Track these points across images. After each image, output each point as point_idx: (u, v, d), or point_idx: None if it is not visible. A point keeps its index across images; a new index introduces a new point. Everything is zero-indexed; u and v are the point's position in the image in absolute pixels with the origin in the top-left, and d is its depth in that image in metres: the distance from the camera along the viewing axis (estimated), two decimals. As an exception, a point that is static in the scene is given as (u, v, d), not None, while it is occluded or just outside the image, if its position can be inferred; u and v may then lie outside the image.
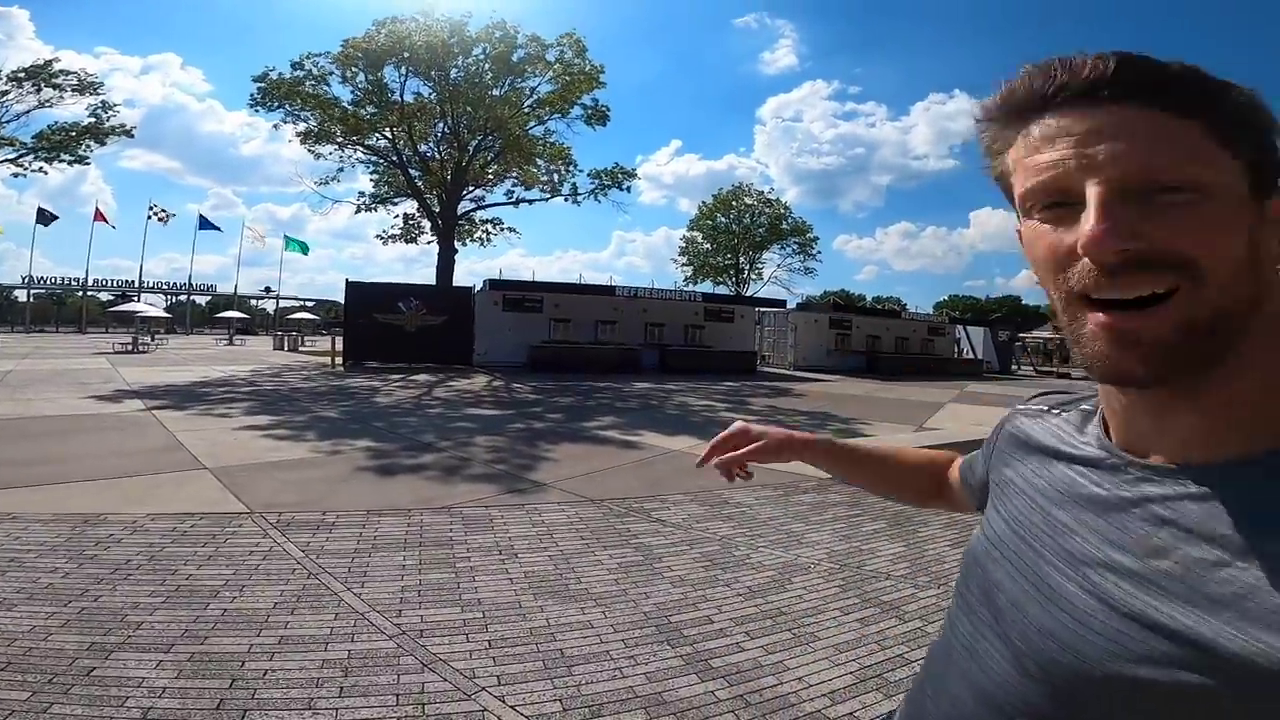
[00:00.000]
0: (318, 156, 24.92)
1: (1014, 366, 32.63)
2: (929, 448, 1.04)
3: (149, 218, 54.39)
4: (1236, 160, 0.47)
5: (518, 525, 4.53)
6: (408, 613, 3.09)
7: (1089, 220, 0.46)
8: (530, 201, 26.96)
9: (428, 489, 5.48)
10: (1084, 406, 0.64)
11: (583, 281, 24.81)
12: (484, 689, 2.44)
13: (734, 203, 41.74)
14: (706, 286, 40.01)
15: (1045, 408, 0.68)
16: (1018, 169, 0.52)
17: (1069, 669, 0.49)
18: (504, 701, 2.37)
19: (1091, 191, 0.46)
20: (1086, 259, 0.47)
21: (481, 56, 23.76)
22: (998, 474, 0.68)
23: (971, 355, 30.96)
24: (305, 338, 38.70)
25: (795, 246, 42.23)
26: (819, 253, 42.90)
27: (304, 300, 72.46)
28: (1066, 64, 0.49)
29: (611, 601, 3.31)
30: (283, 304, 65.48)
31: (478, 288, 21.61)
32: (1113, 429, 0.57)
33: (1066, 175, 0.48)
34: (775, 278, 42.83)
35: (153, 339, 29.82)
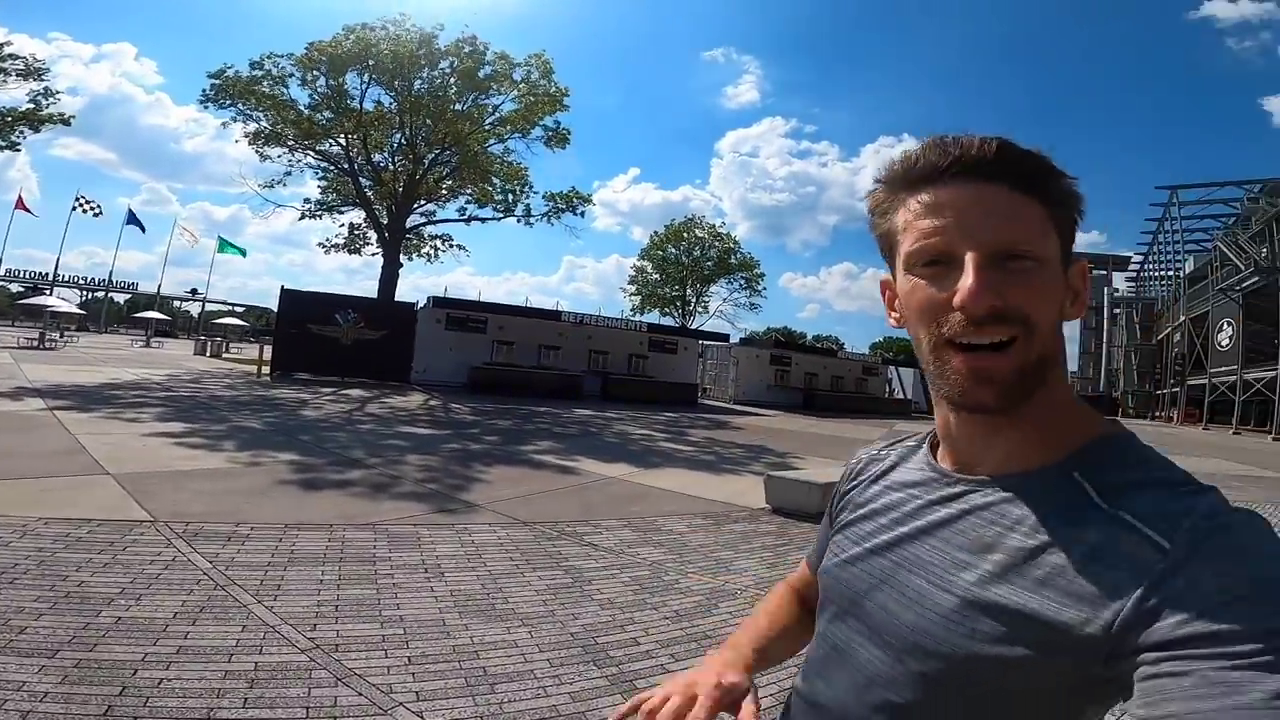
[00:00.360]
0: (264, 158, 24.02)
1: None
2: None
3: (74, 209, 51.05)
4: (1058, 236, 0.60)
5: (446, 544, 4.41)
6: (323, 627, 2.96)
7: (967, 280, 0.56)
8: (483, 220, 26.59)
9: (353, 505, 5.28)
10: (909, 443, 0.77)
11: (529, 305, 24.63)
12: (401, 704, 2.35)
13: (685, 234, 42.37)
14: (653, 316, 40.37)
15: (879, 448, 0.81)
16: (907, 230, 0.62)
17: (936, 655, 0.58)
18: (421, 717, 2.29)
19: (969, 256, 0.57)
20: (960, 311, 0.57)
21: (448, 70, 23.56)
22: (848, 513, 0.76)
23: (902, 395, 32.30)
24: (231, 344, 36.95)
25: (742, 281, 43.05)
26: (764, 289, 43.75)
27: (233, 305, 69.27)
28: (958, 143, 0.59)
29: (539, 622, 3.26)
30: (209, 307, 62.21)
31: (421, 304, 21.20)
32: (947, 453, 0.68)
33: (949, 240, 0.58)
34: (721, 311, 43.55)
35: (62, 335, 27.83)
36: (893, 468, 0.75)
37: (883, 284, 0.70)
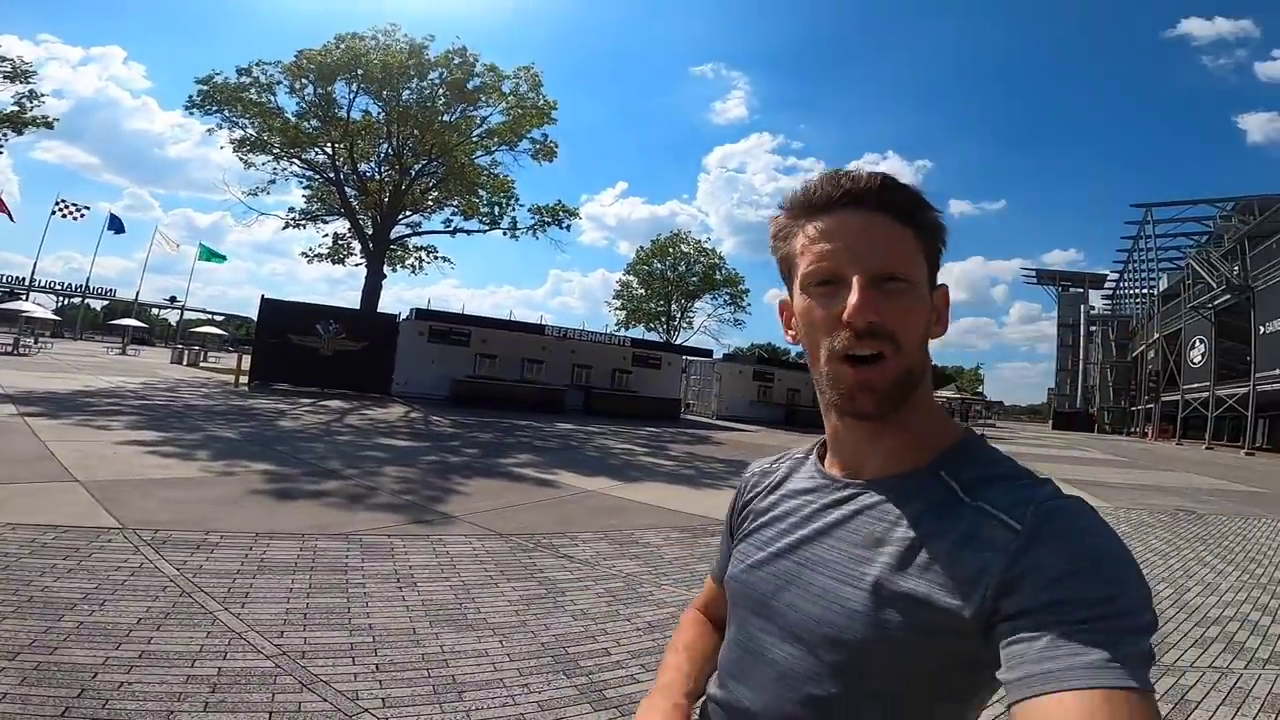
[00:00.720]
0: (249, 166, 23.83)
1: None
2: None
3: (53, 213, 50.25)
4: (927, 262, 0.68)
5: (420, 555, 4.39)
6: (290, 634, 2.94)
7: (853, 298, 0.63)
8: (468, 232, 26.45)
9: (327, 515, 5.24)
10: (797, 455, 0.83)
11: (514, 318, 24.57)
12: (367, 710, 2.35)
13: (671, 250, 42.53)
14: (638, 332, 40.42)
15: (770, 462, 0.86)
16: (803, 253, 0.69)
17: (845, 644, 0.63)
18: (386, 725, 2.29)
19: (855, 278, 0.64)
20: (846, 326, 0.64)
21: (437, 81, 23.56)
22: (747, 524, 0.81)
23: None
24: (209, 353, 36.47)
25: (727, 297, 43.17)
26: (749, 305, 44.00)
27: (212, 313, 68.48)
28: (849, 176, 0.67)
29: (510, 632, 3.26)
30: (188, 315, 61.49)
31: (403, 316, 21.09)
32: (835, 461, 0.75)
33: (839, 263, 0.66)
34: (705, 327, 43.69)
35: (36, 341, 27.32)
36: (786, 478, 0.80)
37: (780, 305, 0.77)
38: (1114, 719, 0.45)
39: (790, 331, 0.74)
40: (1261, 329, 32.32)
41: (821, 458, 0.78)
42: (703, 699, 0.80)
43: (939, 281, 0.71)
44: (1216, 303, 36.95)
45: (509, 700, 2.57)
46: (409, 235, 26.71)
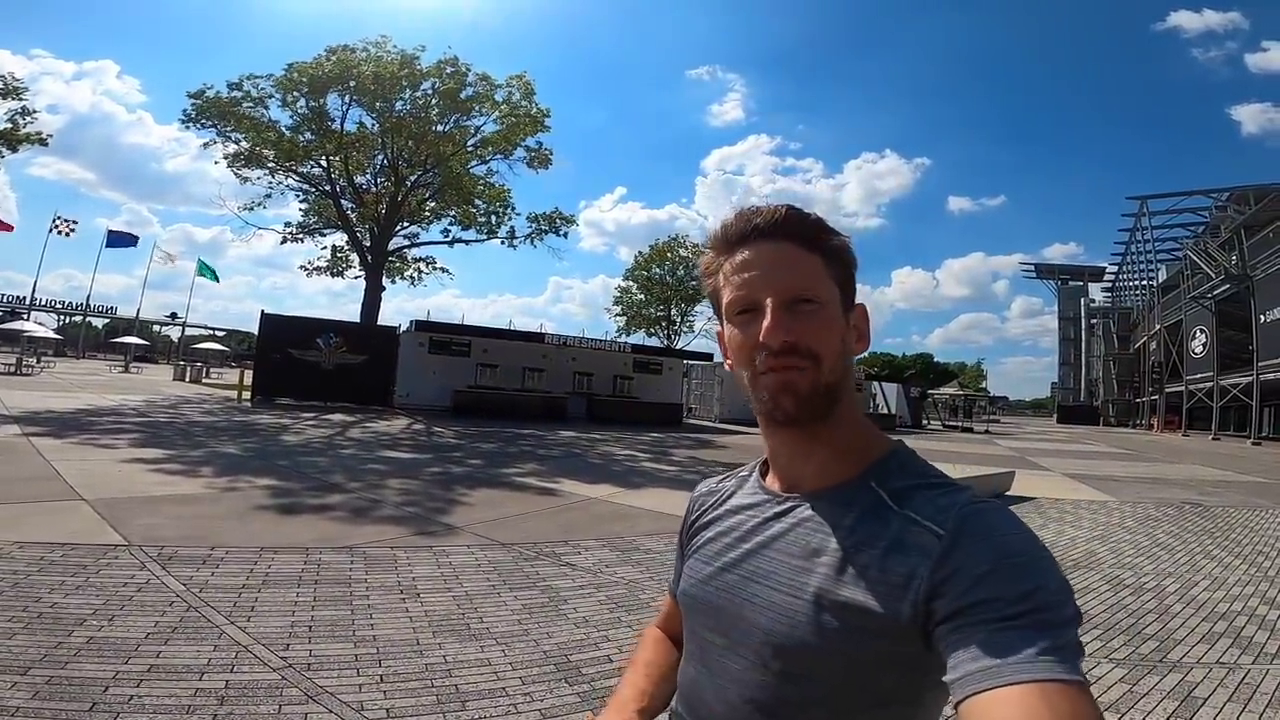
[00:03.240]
0: (244, 180, 23.93)
1: (925, 421, 34.36)
2: None
3: (52, 230, 50.46)
4: (835, 284, 0.73)
5: (423, 566, 4.43)
6: (296, 647, 2.98)
7: (766, 321, 0.69)
8: (466, 242, 26.57)
9: (331, 528, 5.28)
10: (742, 473, 0.87)
11: (514, 327, 24.64)
12: (370, 721, 2.38)
13: (669, 254, 42.58)
14: (639, 337, 40.41)
15: (717, 481, 0.90)
16: (726, 286, 0.74)
17: (792, 653, 0.66)
18: (390, 735, 2.32)
19: (768, 303, 0.70)
20: (762, 347, 0.69)
21: (430, 91, 23.66)
22: (697, 540, 0.84)
23: (886, 410, 32.46)
24: (211, 369, 36.57)
25: (728, 299, 43.20)
26: (749, 308, 43.95)
27: (214, 329, 68.65)
28: (758, 212, 0.73)
29: (512, 641, 3.29)
30: (190, 332, 61.66)
31: (403, 327, 21.15)
32: (775, 476, 0.79)
33: (754, 291, 0.71)
34: (705, 331, 43.69)
35: (39, 361, 27.42)
36: (731, 495, 0.84)
37: (718, 335, 0.81)
38: (1051, 709, 0.48)
39: (728, 360, 0.78)
40: (1262, 317, 32.28)
41: (765, 474, 0.82)
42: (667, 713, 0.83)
43: (857, 301, 0.76)
44: (1216, 293, 36.93)
45: (511, 709, 2.60)
46: (407, 246, 26.83)
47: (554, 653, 3.19)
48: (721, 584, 0.75)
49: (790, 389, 0.69)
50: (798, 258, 0.71)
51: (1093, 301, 73.01)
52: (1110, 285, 70.43)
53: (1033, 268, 79.67)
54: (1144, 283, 57.27)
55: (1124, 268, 64.87)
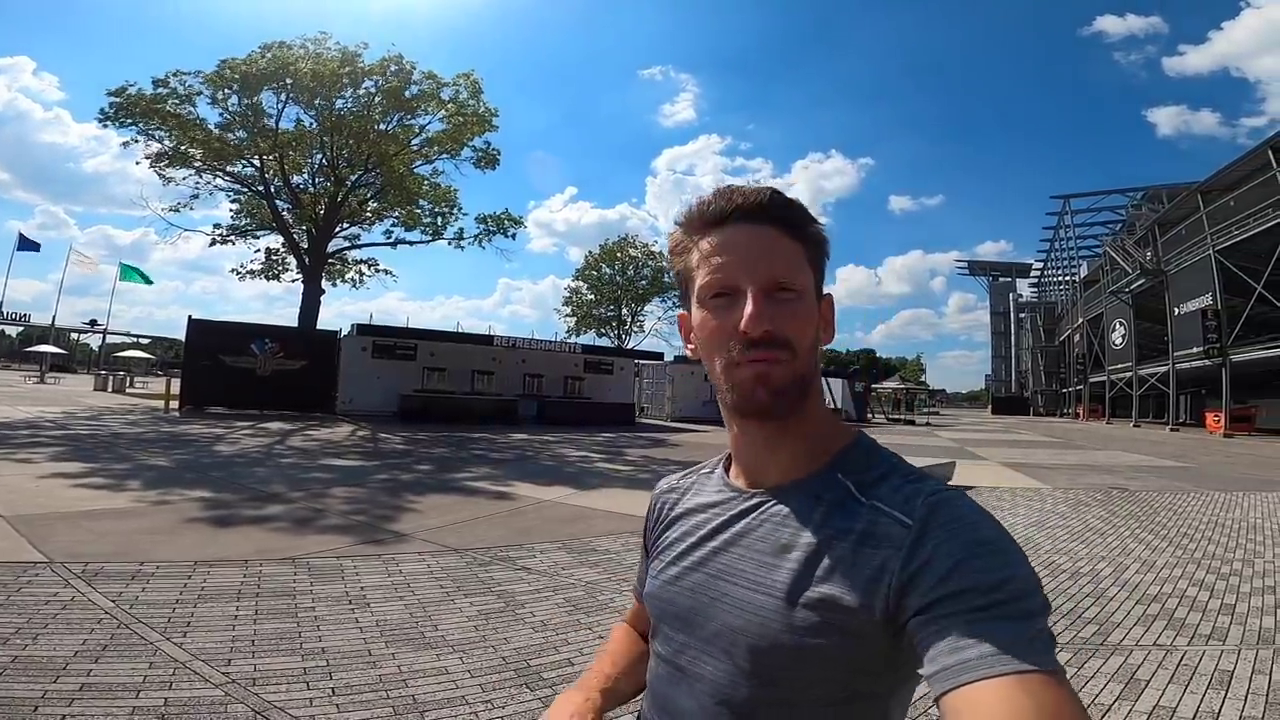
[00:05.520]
0: (168, 181, 22.60)
1: (870, 415, 35.38)
2: None
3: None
4: (813, 272, 0.71)
5: (372, 575, 4.27)
6: (238, 662, 2.82)
7: (749, 309, 0.65)
8: (410, 243, 25.82)
9: (271, 540, 5.03)
10: (704, 470, 0.85)
11: (462, 330, 24.16)
12: (321, 738, 2.27)
13: (619, 254, 42.62)
14: (589, 338, 40.35)
15: (678, 478, 0.88)
16: (700, 266, 0.70)
17: (764, 652, 0.64)
18: (343, 751, 2.22)
19: (749, 289, 0.66)
20: (742, 336, 0.65)
21: (372, 89, 22.85)
22: (661, 539, 0.82)
23: (832, 405, 33.27)
24: (135, 378, 34.63)
25: (676, 299, 43.42)
26: (698, 306, 44.32)
27: (137, 336, 64.89)
28: (740, 192, 0.69)
29: (469, 648, 3.20)
30: (111, 339, 58.04)
31: (345, 331, 20.47)
32: (739, 471, 0.76)
33: (733, 275, 0.67)
34: (656, 330, 43.93)
35: (-62, 376, 25.35)
36: (694, 492, 0.82)
37: (680, 319, 0.78)
38: (1034, 700, 0.47)
39: (690, 345, 0.75)
40: (1177, 310, 34.32)
41: (728, 470, 0.79)
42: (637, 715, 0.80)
43: (825, 292, 0.74)
44: (1133, 287, 39.08)
45: (472, 717, 2.53)
46: (348, 248, 25.93)
47: (513, 658, 3.11)
48: (689, 583, 0.73)
49: (765, 380, 0.66)
50: (780, 243, 0.68)
51: (1021, 297, 76.77)
52: (1037, 281, 74.17)
53: (966, 265, 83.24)
54: (1068, 278, 60.53)
55: (1049, 264, 68.43)
